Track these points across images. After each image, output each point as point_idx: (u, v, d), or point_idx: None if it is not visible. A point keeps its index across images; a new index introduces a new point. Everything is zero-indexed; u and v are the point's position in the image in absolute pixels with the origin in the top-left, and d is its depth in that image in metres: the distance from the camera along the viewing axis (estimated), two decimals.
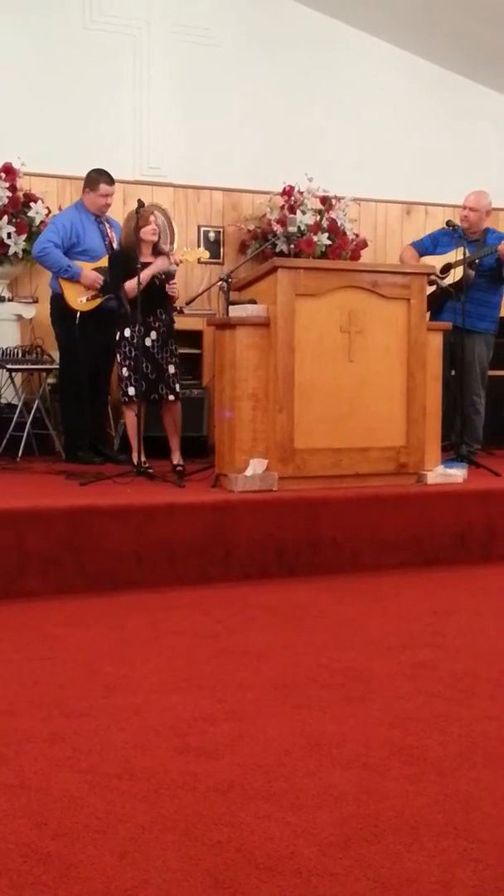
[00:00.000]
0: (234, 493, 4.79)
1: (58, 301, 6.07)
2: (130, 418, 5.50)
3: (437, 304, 6.05)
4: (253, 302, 5.10)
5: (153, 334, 5.51)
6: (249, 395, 4.97)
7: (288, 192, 7.56)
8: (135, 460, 5.37)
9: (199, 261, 6.56)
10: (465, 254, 6.03)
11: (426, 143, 8.33)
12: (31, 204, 6.73)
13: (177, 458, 5.67)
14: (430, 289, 5.71)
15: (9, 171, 6.70)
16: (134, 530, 4.43)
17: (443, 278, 6.00)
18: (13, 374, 6.40)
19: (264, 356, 4.97)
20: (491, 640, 3.65)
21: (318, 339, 5.01)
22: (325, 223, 7.54)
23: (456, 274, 6.10)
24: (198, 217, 7.80)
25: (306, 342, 4.98)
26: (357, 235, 7.77)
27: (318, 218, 7.54)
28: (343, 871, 1.92)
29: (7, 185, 6.66)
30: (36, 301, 6.83)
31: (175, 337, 5.73)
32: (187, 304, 6.25)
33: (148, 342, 5.49)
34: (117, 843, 2.03)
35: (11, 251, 6.66)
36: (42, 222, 6.63)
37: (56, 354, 6.29)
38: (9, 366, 6.22)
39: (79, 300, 5.98)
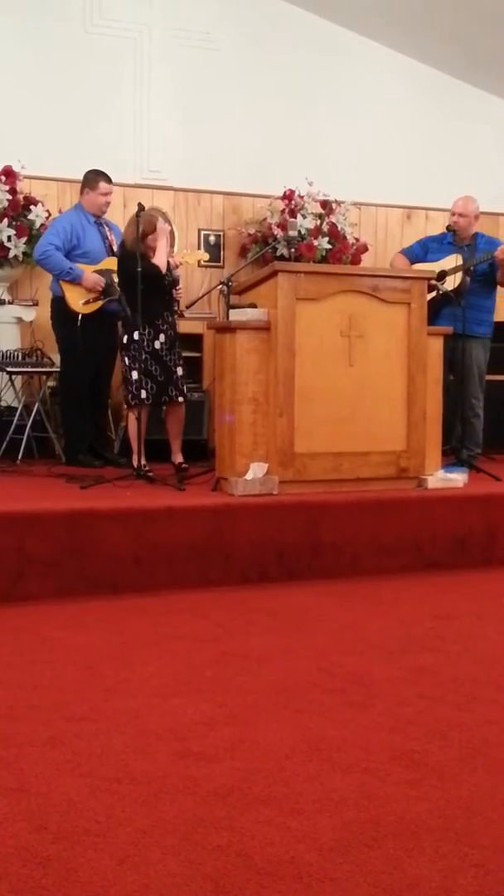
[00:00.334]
0: (234, 497, 4.78)
1: (59, 304, 6.07)
2: (132, 421, 5.49)
3: (434, 310, 6.06)
4: (253, 306, 5.09)
5: (161, 337, 5.51)
6: (250, 398, 4.97)
7: (288, 196, 7.57)
8: (135, 463, 5.37)
9: (199, 263, 6.57)
10: (463, 260, 6.05)
11: (426, 147, 8.34)
12: (32, 207, 6.73)
13: (179, 457, 5.67)
14: (431, 294, 5.72)
15: (9, 174, 6.70)
16: (134, 534, 4.42)
17: (440, 284, 6.01)
18: (13, 376, 6.40)
19: (265, 360, 4.97)
20: (492, 645, 3.65)
21: (318, 343, 5.01)
22: (325, 227, 7.55)
23: (454, 280, 6.11)
24: (198, 220, 7.80)
25: (307, 346, 4.98)
26: (357, 240, 7.77)
27: (319, 222, 7.54)
28: (343, 877, 1.92)
29: (7, 188, 6.66)
30: (36, 304, 6.83)
31: (179, 340, 5.74)
32: (187, 307, 6.25)
33: (157, 345, 5.49)
34: (117, 847, 2.02)
35: (11, 254, 6.66)
36: (42, 225, 6.63)
37: (56, 357, 6.28)
38: (9, 369, 6.21)
39: (80, 303, 5.98)
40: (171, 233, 5.76)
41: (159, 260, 5.42)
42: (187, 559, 4.48)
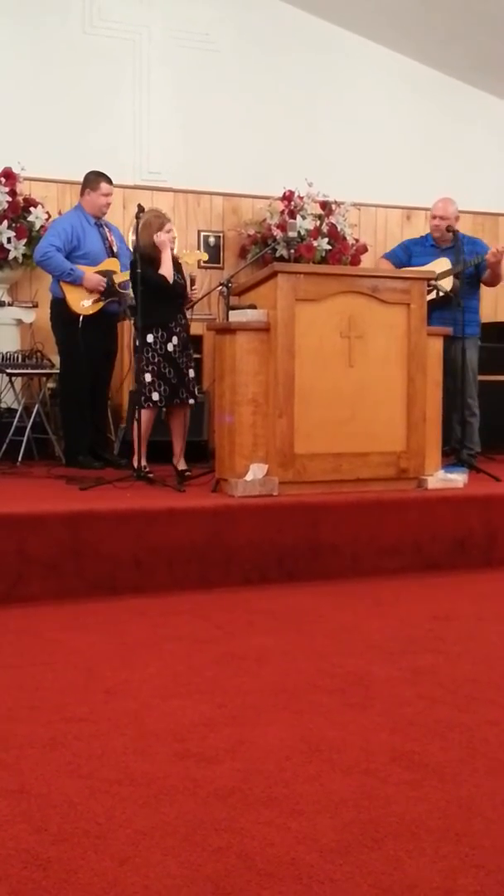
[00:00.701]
0: (234, 498, 4.78)
1: (59, 305, 6.07)
2: (145, 418, 5.47)
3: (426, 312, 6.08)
4: (253, 307, 5.09)
5: (174, 339, 5.51)
6: (250, 399, 4.97)
7: (288, 197, 7.57)
8: (135, 464, 5.37)
9: (198, 264, 6.57)
10: (452, 263, 6.09)
11: (425, 147, 8.35)
12: (31, 209, 6.74)
13: (182, 464, 5.67)
14: (430, 296, 5.72)
15: (9, 175, 6.71)
16: (134, 535, 4.42)
17: (433, 288, 6.01)
18: (13, 378, 6.40)
19: (264, 361, 4.97)
20: (492, 646, 3.65)
21: (318, 344, 5.01)
22: (324, 228, 7.55)
23: (448, 283, 6.13)
24: (198, 222, 7.81)
25: (306, 347, 4.98)
26: (357, 240, 7.78)
27: (318, 223, 7.55)
28: (344, 878, 1.92)
29: (7, 189, 6.67)
30: (36, 305, 6.83)
31: (191, 342, 5.76)
32: (187, 308, 6.26)
33: (170, 347, 5.50)
34: (117, 848, 2.02)
35: (11, 256, 6.67)
36: (42, 227, 6.64)
37: (56, 359, 6.28)
38: (9, 370, 6.22)
39: (81, 304, 5.98)
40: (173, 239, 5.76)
41: (166, 270, 5.42)
42: (187, 560, 4.48)
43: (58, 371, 6.27)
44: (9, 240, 6.63)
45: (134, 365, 5.68)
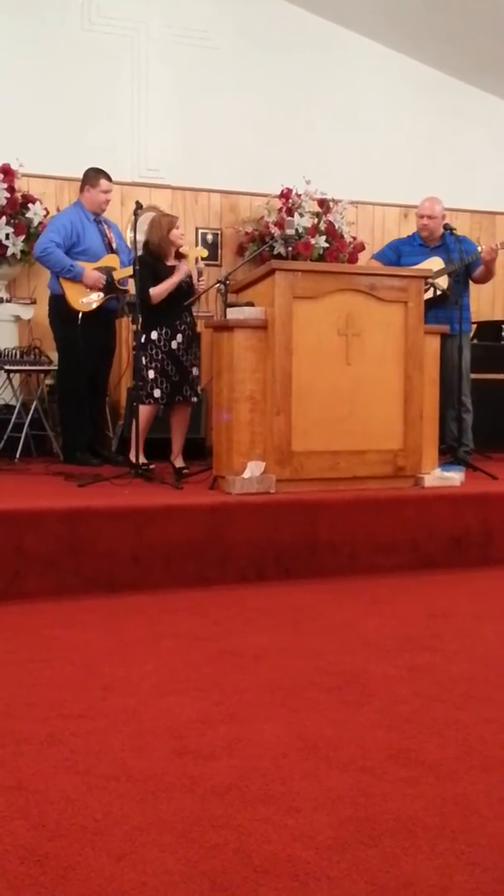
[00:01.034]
0: (231, 496, 4.79)
1: (58, 302, 6.06)
2: (145, 414, 5.48)
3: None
4: (250, 304, 5.10)
5: (179, 337, 5.53)
6: (247, 397, 4.97)
7: (286, 195, 7.57)
8: (133, 459, 5.37)
9: (196, 260, 6.57)
10: (444, 262, 6.10)
11: (424, 146, 8.35)
12: (30, 205, 6.74)
13: (179, 461, 5.68)
14: (428, 294, 5.73)
15: (7, 172, 6.71)
16: (132, 532, 4.42)
17: (430, 286, 6.02)
18: (11, 375, 6.40)
19: (262, 358, 4.98)
20: (488, 644, 3.65)
21: (315, 341, 5.01)
22: (322, 226, 7.56)
23: (443, 281, 6.15)
24: (196, 219, 7.81)
25: (304, 345, 4.98)
26: (354, 238, 7.78)
27: (316, 220, 7.55)
28: (340, 874, 1.92)
29: (5, 186, 6.66)
30: (34, 302, 6.83)
31: (198, 340, 5.76)
32: (185, 305, 6.25)
33: (174, 345, 5.51)
34: (115, 844, 2.03)
35: (10, 252, 6.67)
36: (40, 223, 6.64)
37: (54, 355, 6.28)
38: (7, 367, 6.22)
39: (80, 300, 5.97)
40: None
41: (158, 290, 5.42)
42: (185, 558, 4.49)
43: (56, 368, 6.27)
44: (7, 236, 6.62)
45: (134, 361, 5.69)
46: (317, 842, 2.05)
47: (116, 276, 5.99)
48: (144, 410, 5.47)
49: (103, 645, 3.54)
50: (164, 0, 7.59)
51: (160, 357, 5.46)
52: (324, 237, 7.51)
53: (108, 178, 6.16)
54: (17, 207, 6.69)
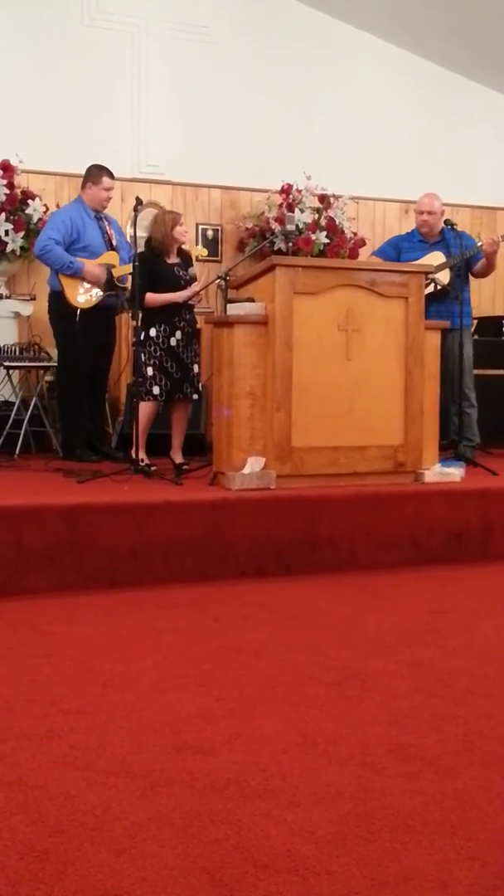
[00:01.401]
0: (231, 492, 4.79)
1: (57, 298, 6.06)
2: (145, 411, 5.48)
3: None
4: (251, 300, 5.09)
5: (178, 334, 5.52)
6: (247, 393, 4.97)
7: (286, 191, 7.56)
8: (134, 455, 5.37)
9: (197, 258, 6.56)
10: (446, 257, 6.10)
11: (424, 141, 8.34)
12: (29, 201, 6.73)
13: (179, 457, 5.67)
14: (428, 289, 5.72)
15: (6, 168, 6.70)
16: (131, 528, 4.42)
17: (430, 282, 6.01)
18: (11, 371, 6.40)
19: (262, 354, 4.97)
20: (488, 639, 3.65)
21: (315, 337, 5.01)
22: (323, 221, 7.55)
23: (444, 276, 6.14)
24: (196, 215, 7.80)
25: (304, 340, 4.98)
26: (355, 234, 7.78)
27: (317, 216, 7.54)
28: (340, 869, 1.92)
29: (5, 182, 6.65)
30: (33, 298, 6.83)
31: (198, 336, 5.75)
32: (186, 302, 6.25)
33: (172, 342, 5.51)
34: (114, 840, 2.03)
35: (9, 248, 6.66)
36: (40, 219, 6.63)
37: (53, 352, 6.28)
38: (6, 363, 6.21)
39: (78, 297, 5.96)
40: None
41: (154, 298, 5.42)
42: (184, 553, 4.49)
43: (55, 364, 6.27)
44: (6, 232, 6.62)
45: (133, 358, 5.69)
46: (316, 836, 2.05)
47: (116, 273, 5.98)
48: (145, 407, 5.46)
49: (103, 641, 3.54)
50: None
51: (159, 354, 5.46)
52: (324, 233, 7.51)
53: (111, 176, 6.15)
54: (17, 204, 6.68)
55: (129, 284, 5.88)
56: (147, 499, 4.57)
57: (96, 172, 6.12)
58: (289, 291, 4.94)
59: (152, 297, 5.42)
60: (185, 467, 5.58)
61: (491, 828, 2.11)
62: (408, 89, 8.34)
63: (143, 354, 5.44)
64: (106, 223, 6.22)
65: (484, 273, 6.37)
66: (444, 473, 5.30)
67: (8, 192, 6.65)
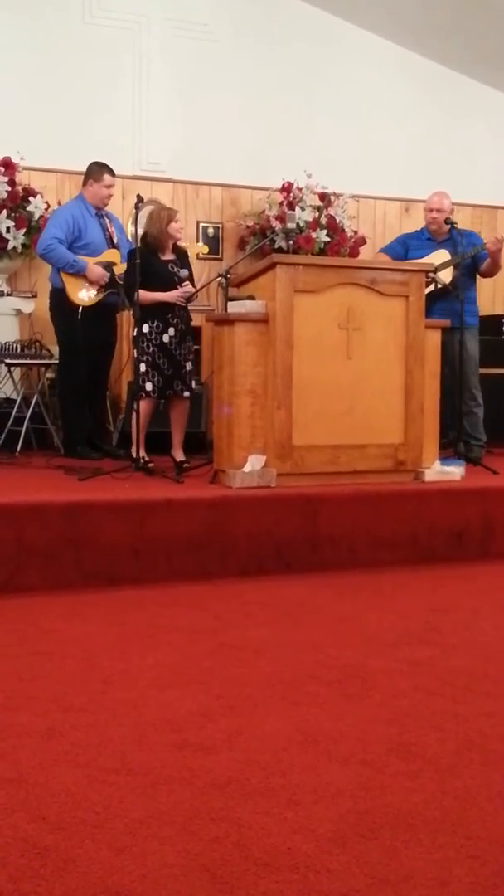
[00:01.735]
0: (232, 490, 4.79)
1: (58, 296, 6.06)
2: (144, 409, 5.48)
3: (427, 305, 6.07)
4: (251, 298, 5.09)
5: (171, 331, 5.51)
6: (248, 391, 4.97)
7: (287, 189, 7.56)
8: (134, 454, 5.37)
9: (197, 256, 6.57)
10: (451, 255, 6.09)
11: (425, 140, 8.34)
12: (31, 198, 6.73)
13: (180, 455, 5.67)
14: (429, 288, 5.72)
15: (8, 165, 6.70)
16: (132, 526, 4.43)
17: (431, 280, 6.01)
18: (12, 368, 6.40)
19: (263, 352, 4.97)
20: (488, 638, 3.66)
21: (316, 335, 5.01)
22: (323, 220, 7.55)
23: (447, 274, 6.14)
24: (197, 213, 7.80)
25: (305, 339, 4.98)
26: (356, 232, 7.78)
27: (317, 214, 7.54)
28: (340, 867, 1.93)
29: (6, 179, 6.65)
30: (35, 296, 6.82)
31: (193, 334, 5.75)
32: (187, 300, 6.26)
33: (165, 338, 5.50)
34: (115, 837, 2.03)
35: (10, 245, 6.66)
36: (41, 217, 6.63)
37: (55, 349, 6.28)
38: (7, 360, 6.21)
39: (79, 295, 5.96)
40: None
41: (148, 296, 5.40)
42: (185, 551, 4.49)
43: (57, 361, 6.27)
44: (8, 229, 6.62)
45: (131, 355, 5.69)
46: (317, 835, 2.06)
47: (117, 270, 5.98)
48: (143, 405, 5.47)
49: (104, 638, 3.55)
50: None
51: (151, 350, 5.45)
52: (325, 231, 7.51)
53: (112, 173, 6.14)
54: (18, 201, 6.68)
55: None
56: (148, 496, 4.57)
57: (97, 170, 6.12)
58: (289, 289, 4.94)
59: (143, 295, 5.41)
60: (185, 465, 5.58)
61: (491, 826, 2.11)
62: (409, 88, 8.34)
63: (136, 351, 5.45)
64: (107, 220, 6.22)
65: (490, 273, 6.36)
66: (444, 472, 5.31)
67: (9, 189, 6.65)
